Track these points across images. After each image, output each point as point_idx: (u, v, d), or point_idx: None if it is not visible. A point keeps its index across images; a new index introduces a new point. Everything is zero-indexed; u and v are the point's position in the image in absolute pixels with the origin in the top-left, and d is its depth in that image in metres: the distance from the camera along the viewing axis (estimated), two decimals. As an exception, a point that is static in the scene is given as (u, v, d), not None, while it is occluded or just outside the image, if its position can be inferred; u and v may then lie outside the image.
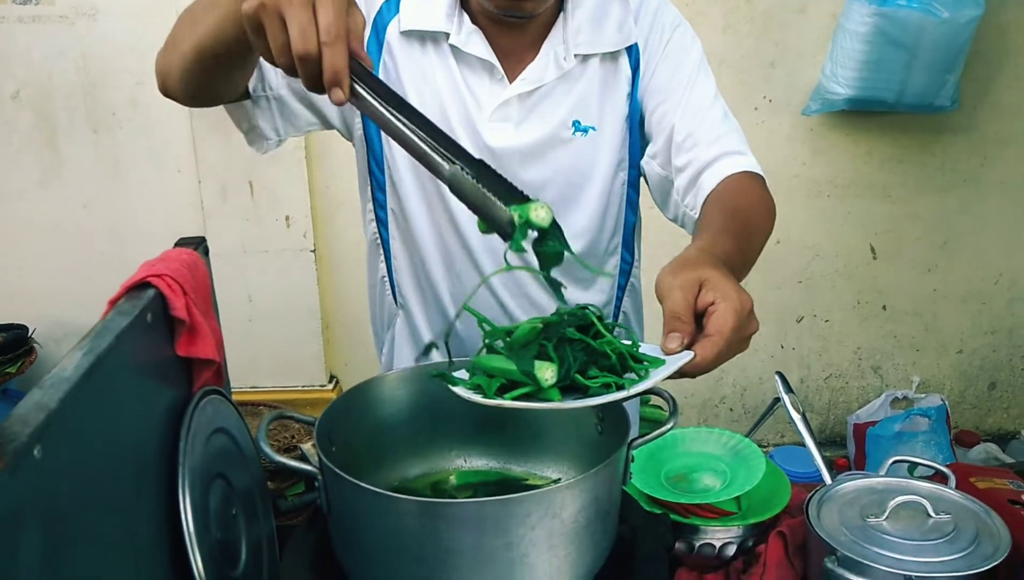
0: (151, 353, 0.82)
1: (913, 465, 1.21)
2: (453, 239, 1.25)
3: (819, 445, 1.15)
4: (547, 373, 0.70)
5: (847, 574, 0.90)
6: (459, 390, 0.75)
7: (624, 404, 0.88)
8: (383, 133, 0.77)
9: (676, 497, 1.04)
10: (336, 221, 2.57)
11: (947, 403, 2.63)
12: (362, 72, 0.75)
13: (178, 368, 0.89)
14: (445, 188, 1.20)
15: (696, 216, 1.13)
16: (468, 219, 1.23)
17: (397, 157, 1.23)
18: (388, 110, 0.76)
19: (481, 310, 1.26)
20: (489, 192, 0.76)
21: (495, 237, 1.22)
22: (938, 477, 1.09)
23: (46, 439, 0.56)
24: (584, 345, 0.73)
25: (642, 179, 1.28)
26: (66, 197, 2.45)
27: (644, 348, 0.76)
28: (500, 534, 0.70)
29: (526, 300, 1.27)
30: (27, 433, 0.54)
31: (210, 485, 0.90)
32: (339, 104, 0.74)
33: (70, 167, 2.45)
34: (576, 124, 1.21)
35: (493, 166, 1.19)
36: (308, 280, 2.56)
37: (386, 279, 1.32)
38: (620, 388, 0.71)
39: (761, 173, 1.13)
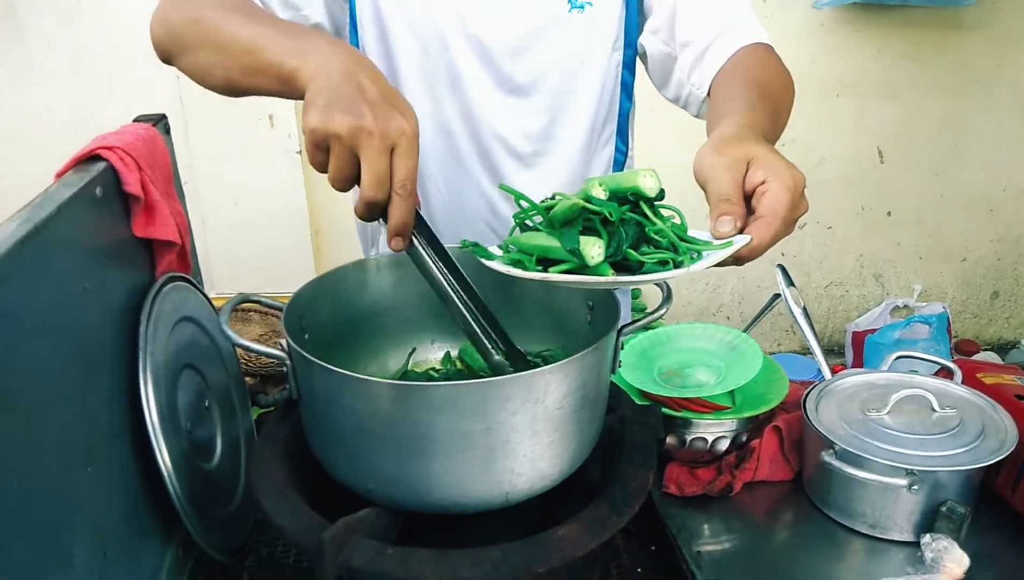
0: (102, 232, 0.76)
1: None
2: (442, 151, 1.17)
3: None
4: (594, 249, 0.64)
5: (846, 467, 0.86)
6: (495, 264, 0.70)
7: (615, 293, 0.82)
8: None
9: (668, 392, 0.99)
10: (324, 121, 2.47)
11: (948, 311, 2.59)
12: (421, 224, 0.75)
13: (136, 251, 0.83)
14: (433, 100, 1.14)
15: (703, 94, 1.05)
16: (455, 128, 1.15)
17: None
18: (443, 272, 0.76)
19: (475, 221, 1.21)
20: None
21: (489, 143, 1.16)
22: (943, 373, 1.05)
23: (-32, 308, 0.50)
24: (635, 223, 0.67)
25: (637, 59, 1.19)
26: (32, 93, 2.33)
27: (693, 233, 0.70)
28: (479, 418, 0.66)
29: (515, 205, 1.20)
30: (-55, 300, 0.49)
31: (179, 375, 0.85)
32: (397, 251, 0.72)
33: (36, 59, 2.32)
34: (572, 0, 1.12)
35: (482, 65, 1.12)
36: (295, 183, 2.47)
37: None
38: (678, 265, 0.65)
39: (771, 43, 1.04)
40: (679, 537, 0.91)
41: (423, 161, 1.19)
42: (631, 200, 0.68)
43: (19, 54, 2.30)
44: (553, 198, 0.70)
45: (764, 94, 0.92)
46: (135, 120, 0.92)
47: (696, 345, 1.09)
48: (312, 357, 0.68)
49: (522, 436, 0.68)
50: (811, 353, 1.06)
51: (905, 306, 2.75)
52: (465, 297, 0.77)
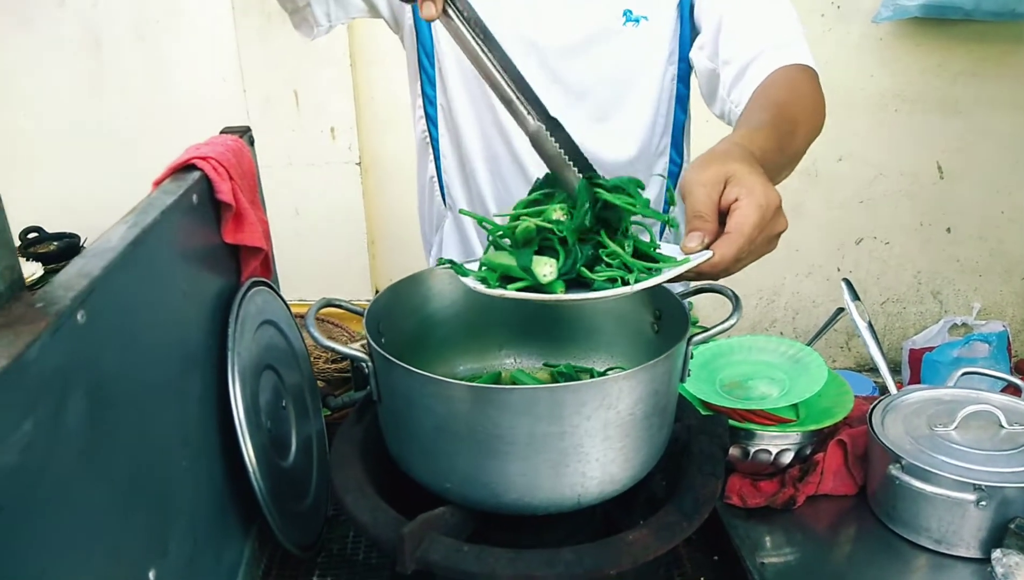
0: (197, 237, 0.80)
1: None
2: (499, 142, 1.21)
3: (872, 370, 1.10)
4: (545, 269, 0.69)
5: (913, 481, 0.86)
6: (467, 280, 0.74)
7: (685, 303, 0.84)
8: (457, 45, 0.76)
9: (731, 403, 1.00)
10: (381, 134, 2.52)
11: (1008, 330, 2.53)
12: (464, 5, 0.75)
13: (226, 256, 0.87)
14: (490, 89, 1.17)
15: (740, 111, 1.06)
16: (513, 128, 1.18)
17: (446, 50, 1.18)
18: (477, 41, 0.75)
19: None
20: (566, 155, 0.75)
21: None
22: (1010, 390, 1.04)
23: (89, 305, 0.54)
24: (594, 243, 0.71)
25: (691, 73, 1.21)
26: (112, 106, 2.44)
27: (665, 249, 0.73)
28: (554, 422, 0.68)
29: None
30: (70, 297, 0.53)
31: (260, 375, 0.89)
32: (428, 19, 0.73)
33: (115, 75, 2.43)
34: (627, 13, 1.15)
35: (537, 64, 1.15)
36: (354, 193, 2.53)
37: (435, 179, 1.29)
38: (625, 283, 0.68)
39: (812, 65, 1.04)
40: (742, 548, 0.91)
41: (473, 158, 1.22)
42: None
43: (96, 66, 2.40)
44: (518, 219, 0.74)
45: (779, 115, 0.92)
46: (222, 132, 0.96)
47: (758, 358, 1.10)
48: (393, 358, 0.71)
49: (595, 440, 0.70)
50: (869, 369, 1.06)
51: (964, 324, 2.70)
52: (499, 64, 0.77)
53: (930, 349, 2.52)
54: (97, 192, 2.47)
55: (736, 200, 0.70)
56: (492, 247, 0.75)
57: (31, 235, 2.15)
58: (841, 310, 1.17)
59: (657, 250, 0.72)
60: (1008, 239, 2.69)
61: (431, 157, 1.28)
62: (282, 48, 2.32)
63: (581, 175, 0.73)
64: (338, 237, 2.55)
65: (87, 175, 2.43)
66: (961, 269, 2.73)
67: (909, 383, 2.63)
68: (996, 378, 1.06)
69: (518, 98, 0.76)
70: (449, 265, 0.76)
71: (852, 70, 2.46)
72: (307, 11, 1.16)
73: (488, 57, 0.76)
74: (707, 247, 0.70)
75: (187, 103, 2.42)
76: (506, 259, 0.71)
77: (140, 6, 2.36)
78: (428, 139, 1.27)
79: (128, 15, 2.37)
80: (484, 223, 0.75)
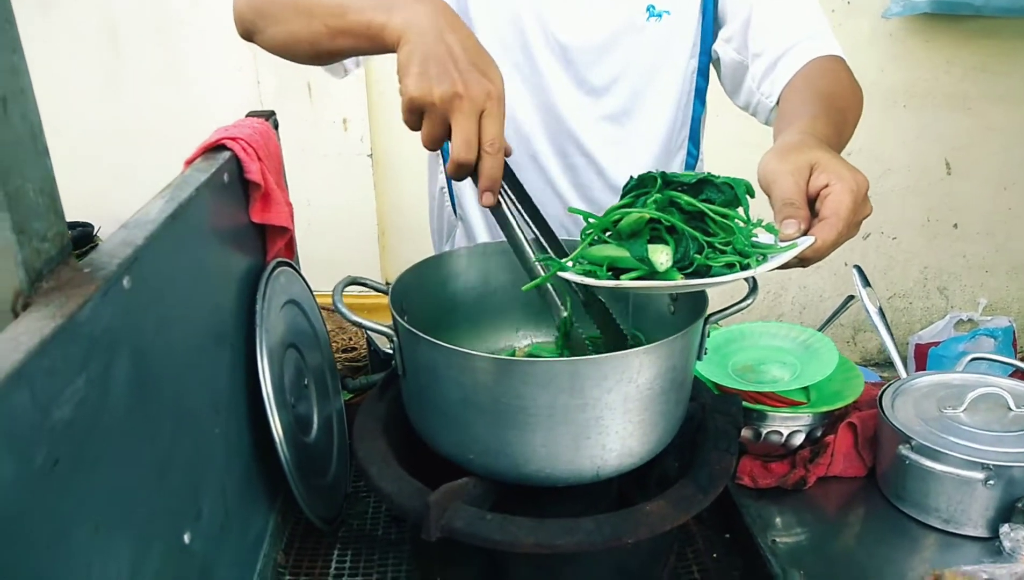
0: (227, 215, 0.82)
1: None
2: (519, 150, 1.22)
3: (877, 365, 1.12)
4: (662, 256, 0.68)
5: (922, 460, 0.88)
6: (569, 274, 0.73)
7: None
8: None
9: (744, 386, 1.02)
10: (393, 126, 2.54)
11: (1014, 325, 2.55)
12: (511, 178, 0.80)
13: (253, 235, 0.89)
14: (512, 97, 1.18)
15: (772, 103, 1.08)
16: (535, 130, 1.20)
17: None
18: (527, 226, 0.81)
19: (550, 219, 1.25)
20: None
21: (565, 145, 1.20)
22: (1017, 376, 1.06)
23: (134, 272, 0.56)
24: (701, 231, 0.70)
25: (711, 66, 1.22)
26: (128, 97, 2.46)
27: (762, 237, 0.73)
28: (576, 394, 0.70)
29: (591, 203, 1.24)
30: (116, 264, 0.55)
31: (284, 353, 0.91)
32: (487, 206, 0.76)
33: (132, 65, 2.45)
34: (650, 9, 1.16)
35: (562, 61, 1.16)
36: (365, 185, 2.56)
37: (445, 190, 1.31)
38: (744, 268, 0.68)
39: (843, 56, 1.06)
40: (754, 527, 0.93)
41: None
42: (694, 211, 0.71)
43: (113, 57, 2.43)
44: (616, 212, 0.73)
45: (830, 105, 0.94)
46: (248, 116, 0.98)
47: (770, 343, 1.12)
48: (419, 332, 0.73)
49: (615, 414, 0.72)
50: (875, 363, 1.08)
51: (969, 320, 2.71)
52: (551, 245, 0.81)
53: (936, 344, 2.54)
54: (111, 181, 2.50)
55: (826, 185, 0.71)
56: (588, 243, 0.74)
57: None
58: (851, 298, 1.19)
59: (754, 237, 0.72)
60: (1015, 236, 2.71)
61: (441, 168, 1.29)
62: (296, 40, 2.34)
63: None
64: (349, 227, 2.57)
65: (102, 164, 2.46)
66: (968, 265, 2.74)
67: (915, 377, 2.66)
68: (1004, 363, 1.08)
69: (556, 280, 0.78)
70: (546, 261, 0.77)
71: (862, 65, 2.44)
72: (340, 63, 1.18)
73: (533, 235, 0.82)
74: (804, 233, 0.71)
75: (202, 93, 2.45)
76: (612, 251, 0.71)
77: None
78: (439, 151, 1.28)
79: (145, 6, 2.40)
80: (589, 218, 0.75)
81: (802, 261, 0.71)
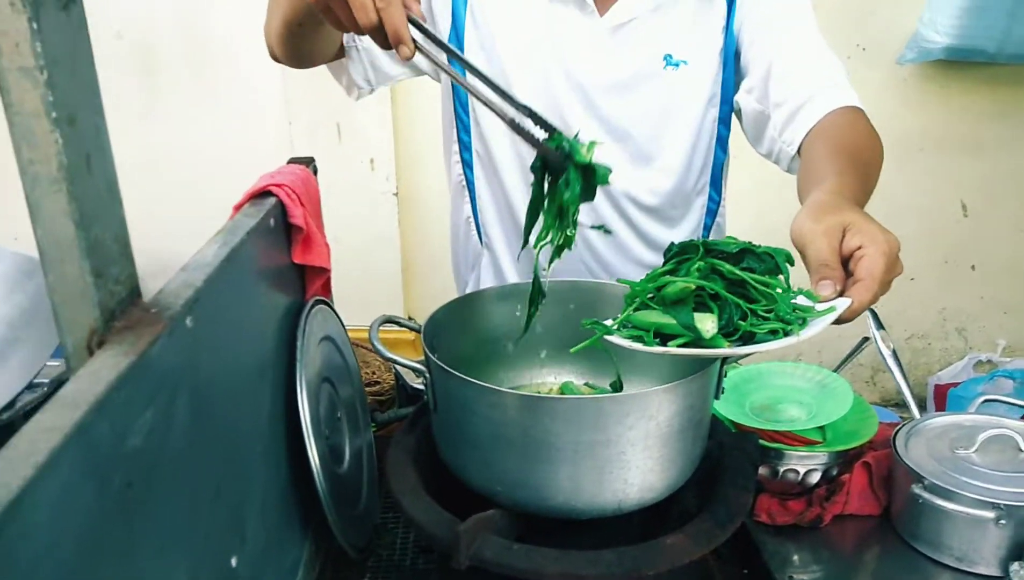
0: (272, 257, 0.87)
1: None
2: None
3: (896, 406, 1.15)
4: (708, 324, 0.71)
5: (935, 499, 0.91)
6: (615, 338, 0.76)
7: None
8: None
9: (761, 425, 1.05)
10: (417, 165, 2.62)
11: (1034, 367, 2.55)
12: (422, 28, 0.80)
13: (294, 275, 0.95)
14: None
15: (793, 152, 1.12)
16: None
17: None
18: (451, 60, 0.82)
19: (572, 259, 1.30)
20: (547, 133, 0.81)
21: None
22: (1030, 418, 1.08)
23: (195, 312, 0.61)
24: (743, 294, 0.73)
25: (733, 115, 1.27)
26: (162, 135, 2.55)
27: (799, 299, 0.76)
28: (599, 430, 0.74)
29: (612, 242, 1.29)
30: (180, 304, 0.60)
31: (320, 386, 0.96)
32: (406, 59, 0.78)
33: (167, 106, 2.54)
34: (668, 58, 1.21)
35: (582, 101, 1.22)
36: (390, 223, 2.62)
37: (471, 219, 1.36)
38: (788, 334, 0.72)
39: (862, 106, 1.11)
40: (771, 563, 0.96)
41: (513, 197, 1.29)
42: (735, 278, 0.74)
43: (149, 95, 2.53)
44: (660, 278, 0.76)
45: (854, 159, 0.98)
46: (289, 162, 1.04)
47: (787, 382, 1.15)
48: (450, 369, 0.78)
49: (636, 449, 0.76)
50: (894, 404, 1.11)
51: (988, 361, 2.71)
52: (476, 75, 0.82)
53: (955, 385, 2.54)
54: (145, 216, 2.58)
55: (860, 247, 0.75)
56: (632, 308, 0.77)
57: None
58: (866, 339, 1.22)
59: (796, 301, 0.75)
60: (1033, 277, 2.72)
61: (467, 199, 1.35)
62: (326, 83, 2.42)
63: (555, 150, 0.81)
64: (374, 263, 2.63)
65: (131, 198, 2.54)
66: (986, 306, 2.76)
67: (934, 418, 2.66)
68: (1015, 406, 1.10)
69: (498, 94, 0.82)
70: (592, 325, 0.79)
71: (876, 110, 2.47)
72: (351, 79, 1.25)
73: (466, 68, 0.83)
74: (840, 294, 0.74)
75: (235, 133, 2.53)
76: (657, 318, 0.74)
77: (192, 39, 2.49)
78: (464, 182, 1.33)
79: (181, 48, 2.50)
80: (635, 287, 0.78)
81: (838, 321, 0.74)
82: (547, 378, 1.04)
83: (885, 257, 0.74)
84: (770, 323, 0.72)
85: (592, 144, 0.79)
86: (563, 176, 0.80)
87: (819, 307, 0.74)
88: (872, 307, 1.19)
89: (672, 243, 0.79)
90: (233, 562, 0.68)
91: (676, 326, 0.72)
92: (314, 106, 2.48)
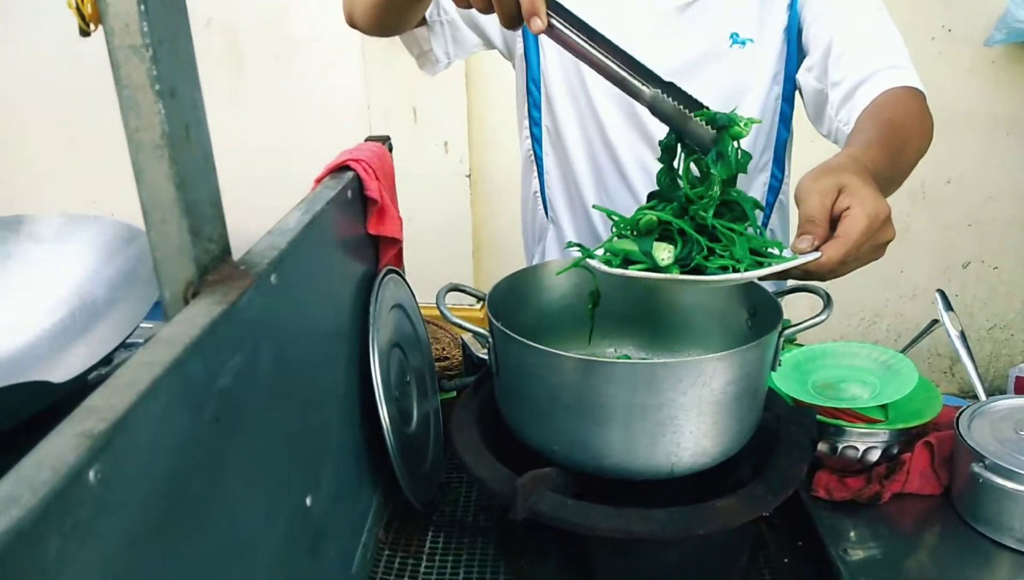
0: (349, 227, 0.93)
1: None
2: (604, 156, 1.30)
3: (975, 398, 1.13)
4: (664, 253, 0.77)
5: (995, 478, 0.90)
6: (593, 262, 0.82)
7: (778, 299, 0.91)
8: (563, 53, 0.86)
9: (822, 402, 1.06)
10: (489, 147, 2.66)
11: (1126, 361, 2.43)
12: (555, 4, 0.80)
13: (368, 245, 1.00)
14: (598, 105, 1.27)
15: (848, 131, 1.11)
16: (619, 136, 1.27)
17: (553, 75, 1.29)
18: (584, 40, 0.81)
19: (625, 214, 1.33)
20: (687, 109, 0.82)
21: (645, 153, 1.28)
22: (1105, 404, 1.06)
23: (279, 270, 0.67)
24: (711, 235, 0.78)
25: (796, 93, 1.27)
26: (248, 118, 2.66)
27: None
28: (652, 394, 0.76)
29: None
30: (266, 262, 0.66)
31: (391, 351, 1.01)
32: (538, 33, 0.79)
33: (252, 91, 2.66)
34: (734, 36, 1.22)
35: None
36: (463, 204, 2.68)
37: (538, 194, 1.40)
38: (736, 271, 0.75)
39: (921, 88, 1.09)
40: (826, 537, 0.97)
41: (579, 174, 1.32)
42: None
43: (237, 82, 2.64)
44: (642, 214, 0.82)
45: (890, 133, 0.97)
46: (366, 140, 1.10)
47: (851, 362, 1.15)
48: (512, 333, 0.82)
49: (689, 414, 0.78)
50: (973, 396, 1.09)
51: (1077, 354, 2.61)
52: (609, 52, 0.82)
53: (1038, 378, 2.45)
54: (232, 194, 2.70)
55: (848, 208, 0.76)
56: (616, 237, 0.83)
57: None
58: (935, 322, 1.21)
59: (769, 250, 0.79)
60: None
61: (535, 173, 1.39)
62: (403, 69, 2.49)
63: (707, 125, 0.82)
64: (446, 243, 2.70)
65: (223, 178, 2.67)
66: (1075, 297, 2.64)
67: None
68: (1089, 391, 1.07)
69: (630, 75, 0.82)
70: (578, 247, 0.85)
71: (963, 93, 2.44)
72: (429, 53, 1.29)
73: (597, 49, 0.82)
74: (816, 249, 0.76)
75: (317, 116, 2.63)
76: (629, 245, 0.80)
77: (279, 28, 2.59)
78: (533, 157, 1.37)
79: (266, 35, 2.60)
80: (612, 216, 0.84)
81: (807, 274, 0.76)
82: (607, 350, 1.07)
83: (868, 219, 0.74)
84: (723, 261, 0.76)
85: (751, 120, 0.81)
86: (714, 150, 0.81)
87: (784, 256, 0.77)
88: (942, 289, 1.19)
89: (650, 193, 0.84)
90: (308, 501, 0.74)
91: (638, 253, 0.77)
92: (391, 90, 2.55)
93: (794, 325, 0.87)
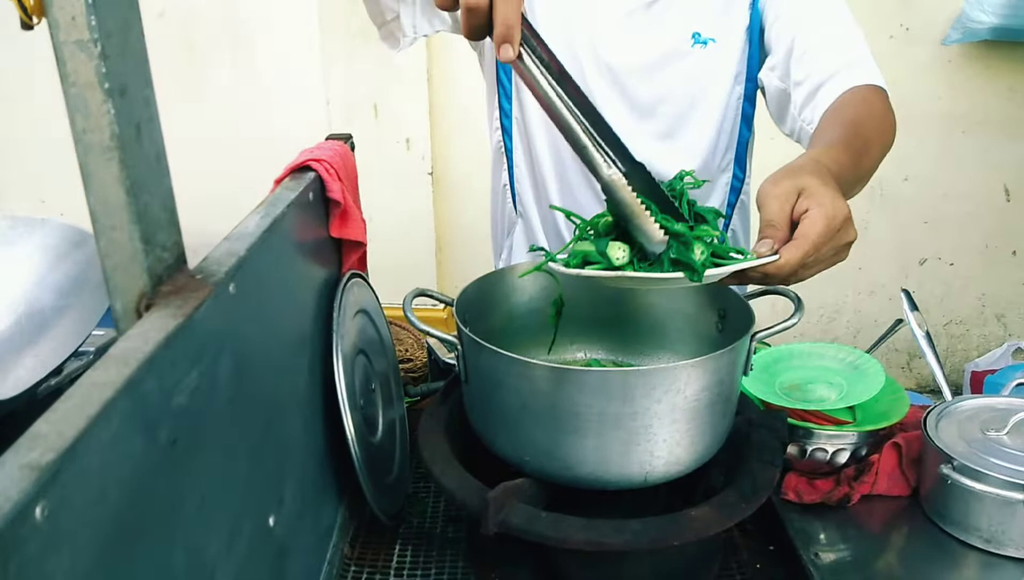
0: (311, 231, 0.90)
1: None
2: (567, 152, 1.29)
3: (932, 392, 1.14)
4: (618, 252, 0.75)
5: (963, 479, 0.91)
6: (553, 265, 0.80)
7: (750, 303, 0.90)
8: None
9: (790, 404, 1.06)
10: (452, 144, 2.63)
11: (1076, 356, 2.50)
12: (532, 32, 0.70)
13: (330, 249, 0.97)
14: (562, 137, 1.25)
15: (812, 131, 1.11)
16: None
17: None
18: (552, 85, 0.71)
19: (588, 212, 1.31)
20: (647, 204, 0.73)
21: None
22: (1065, 403, 1.07)
23: (238, 279, 0.64)
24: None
25: (758, 92, 1.26)
26: (202, 114, 2.59)
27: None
28: (626, 403, 0.75)
29: None
30: (223, 272, 0.62)
31: (355, 358, 0.98)
32: (505, 62, 0.69)
33: (207, 85, 2.59)
34: (696, 36, 1.21)
35: (610, 81, 1.22)
36: (424, 202, 2.64)
37: (507, 187, 1.38)
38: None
39: (884, 86, 1.09)
40: (797, 540, 0.97)
41: (544, 168, 1.30)
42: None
43: (192, 76, 2.57)
44: (602, 215, 0.80)
45: (854, 132, 0.97)
46: (327, 138, 1.06)
47: (818, 363, 1.15)
48: (482, 341, 0.79)
49: (663, 422, 0.77)
50: (930, 390, 1.10)
51: (1028, 349, 2.67)
52: (578, 107, 0.73)
53: (992, 372, 2.50)
54: (186, 192, 2.63)
55: (806, 210, 0.75)
56: (577, 240, 0.81)
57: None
58: (900, 322, 1.22)
59: (731, 254, 0.77)
60: (1077, 264, 2.66)
61: (505, 166, 1.36)
62: (364, 64, 2.45)
63: (660, 226, 0.73)
64: (408, 242, 2.66)
65: (177, 175, 2.59)
66: (1027, 293, 2.71)
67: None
68: (1051, 390, 1.09)
69: (594, 145, 0.72)
70: (541, 250, 0.83)
71: (920, 91, 2.47)
72: (395, 24, 1.25)
73: (563, 101, 0.71)
74: (775, 252, 0.75)
75: (274, 112, 2.57)
76: (587, 246, 0.78)
77: (232, 19, 2.53)
78: (503, 149, 1.35)
79: (221, 28, 2.54)
80: (572, 217, 0.82)
81: (766, 278, 0.75)
82: (576, 354, 1.06)
83: (826, 220, 0.73)
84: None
85: (709, 249, 0.74)
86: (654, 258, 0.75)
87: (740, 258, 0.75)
88: (906, 289, 1.20)
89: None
90: (271, 522, 0.71)
91: (595, 253, 0.76)
92: (351, 86, 2.50)
93: (765, 328, 0.86)
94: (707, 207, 0.79)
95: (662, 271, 0.73)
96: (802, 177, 0.78)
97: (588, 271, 0.76)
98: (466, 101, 2.52)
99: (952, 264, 2.67)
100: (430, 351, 1.29)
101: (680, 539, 0.75)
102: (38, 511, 0.37)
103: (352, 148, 1.08)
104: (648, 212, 0.72)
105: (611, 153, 0.74)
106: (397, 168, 2.58)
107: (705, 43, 1.21)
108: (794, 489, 1.03)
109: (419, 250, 2.69)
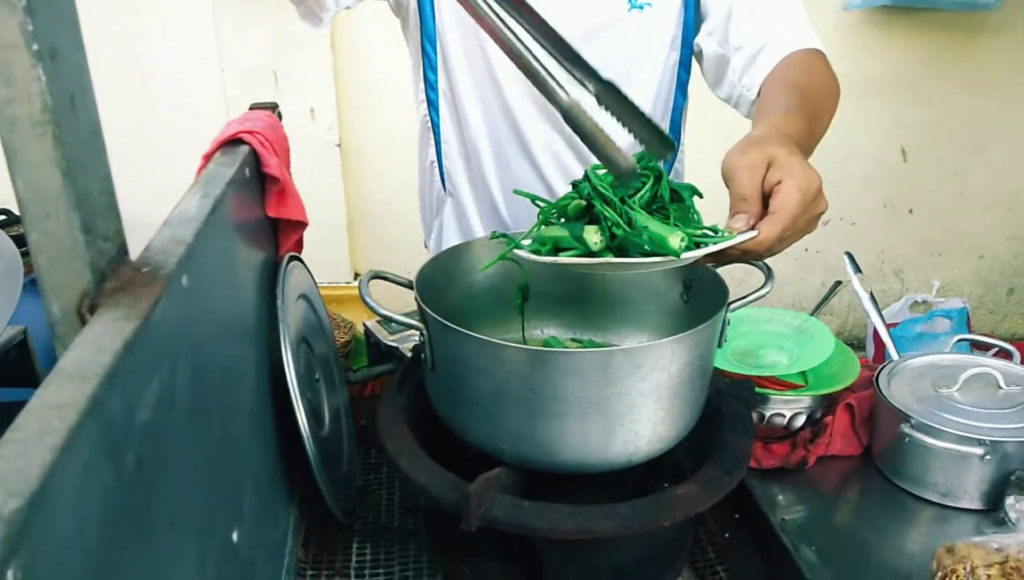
0: (249, 211, 0.81)
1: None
2: (504, 124, 1.23)
3: (852, 347, 1.16)
4: (594, 237, 0.72)
5: (922, 437, 0.92)
6: (521, 252, 0.76)
7: (719, 272, 0.88)
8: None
9: (745, 371, 1.05)
10: (361, 115, 2.52)
11: (968, 306, 2.65)
12: None
13: (267, 231, 0.89)
14: (497, 70, 1.19)
15: (753, 96, 1.10)
16: (521, 104, 1.20)
17: (451, 33, 1.19)
18: (497, 10, 0.67)
19: (528, 190, 1.27)
20: (614, 125, 0.69)
21: (547, 123, 1.21)
22: (1000, 354, 1.11)
23: (189, 270, 0.56)
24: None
25: (693, 59, 1.24)
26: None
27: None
28: (610, 384, 0.71)
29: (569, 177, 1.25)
30: (173, 263, 0.54)
31: (298, 348, 0.91)
32: None
33: (88, 51, 2.37)
34: (632, 1, 1.18)
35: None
36: (333, 175, 2.53)
37: (435, 164, 1.31)
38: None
39: (822, 49, 1.09)
40: (763, 505, 0.96)
41: (477, 141, 1.25)
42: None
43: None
44: (570, 198, 0.76)
45: (804, 98, 0.96)
46: (251, 108, 0.97)
47: (766, 328, 1.15)
48: (451, 324, 0.74)
49: (647, 401, 0.74)
50: (850, 344, 1.12)
51: (924, 302, 2.81)
52: (536, 36, 0.70)
53: (894, 325, 2.62)
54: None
55: (779, 182, 0.73)
56: (543, 225, 0.77)
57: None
58: (839, 283, 1.23)
59: (705, 232, 0.74)
60: (966, 220, 2.82)
61: (432, 142, 1.29)
62: (261, 29, 2.30)
63: (633, 159, 0.70)
64: (317, 220, 2.52)
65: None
66: (922, 249, 2.85)
67: (873, 359, 2.75)
68: (991, 344, 1.13)
69: (547, 72, 0.68)
70: (503, 237, 0.78)
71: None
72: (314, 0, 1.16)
73: (512, 29, 0.67)
74: (752, 227, 0.73)
75: (162, 79, 2.38)
76: (558, 232, 0.74)
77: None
78: (429, 124, 1.28)
79: (102, -8, 2.33)
80: (537, 201, 0.77)
81: (745, 253, 0.73)
82: (533, 333, 1.01)
83: (800, 192, 0.72)
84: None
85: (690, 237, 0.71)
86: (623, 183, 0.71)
87: (720, 236, 0.73)
88: (849, 251, 1.21)
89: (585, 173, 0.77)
90: (234, 536, 0.64)
91: (569, 238, 0.73)
92: (248, 53, 2.35)
93: (737, 298, 0.84)
94: (683, 184, 0.76)
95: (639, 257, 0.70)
96: (769, 147, 0.76)
97: (565, 258, 0.72)
98: (377, 70, 2.41)
99: (853, 223, 2.78)
100: (368, 333, 1.22)
101: (671, 519, 0.73)
102: (10, 576, 0.30)
103: (280, 117, 0.99)
104: (613, 140, 0.68)
105: (578, 74, 0.71)
106: (302, 139, 2.43)
107: (641, 7, 1.18)
108: (753, 455, 1.03)
109: (330, 224, 2.57)
